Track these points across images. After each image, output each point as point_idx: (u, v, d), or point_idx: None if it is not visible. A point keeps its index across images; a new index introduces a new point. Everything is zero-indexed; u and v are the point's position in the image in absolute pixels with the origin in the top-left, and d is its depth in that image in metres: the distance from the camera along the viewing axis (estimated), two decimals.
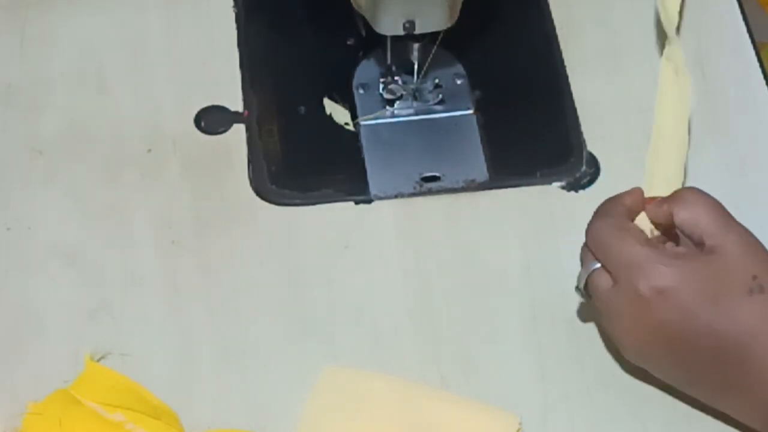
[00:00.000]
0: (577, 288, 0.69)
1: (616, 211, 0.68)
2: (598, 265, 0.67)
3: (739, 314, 0.63)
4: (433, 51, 0.76)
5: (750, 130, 0.79)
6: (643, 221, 0.69)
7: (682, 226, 0.67)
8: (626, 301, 0.65)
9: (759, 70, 0.82)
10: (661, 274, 0.64)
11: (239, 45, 0.82)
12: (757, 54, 0.82)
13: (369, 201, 0.77)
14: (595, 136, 0.79)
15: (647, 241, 0.66)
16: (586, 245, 0.69)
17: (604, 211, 0.69)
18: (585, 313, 0.72)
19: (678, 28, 0.78)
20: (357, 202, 0.76)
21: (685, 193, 0.68)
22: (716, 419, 0.68)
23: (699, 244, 0.66)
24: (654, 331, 0.65)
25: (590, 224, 0.68)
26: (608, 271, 0.66)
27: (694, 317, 0.64)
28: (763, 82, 0.81)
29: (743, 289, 0.64)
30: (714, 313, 0.64)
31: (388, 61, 0.78)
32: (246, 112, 0.80)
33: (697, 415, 0.69)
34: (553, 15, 0.84)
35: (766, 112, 0.80)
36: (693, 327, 0.64)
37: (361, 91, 0.80)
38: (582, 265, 0.69)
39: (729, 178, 0.77)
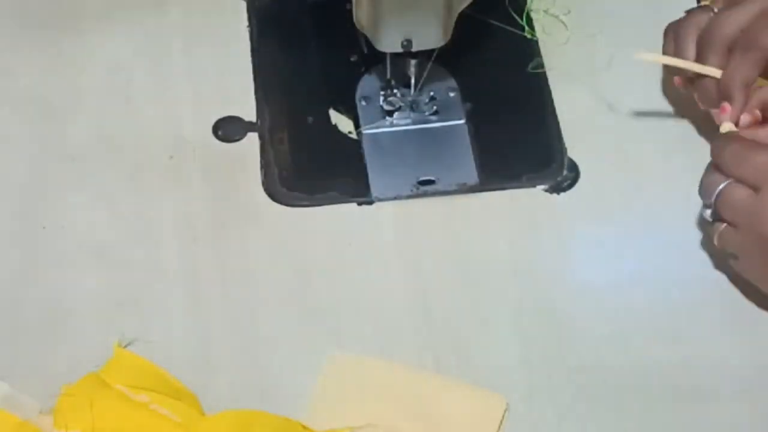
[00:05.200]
0: (705, 207, 0.68)
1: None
2: (728, 180, 0.66)
3: None
4: (429, 66, 0.76)
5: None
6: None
7: None
8: None
9: None
10: None
11: (253, 61, 0.82)
12: None
13: (370, 202, 0.77)
14: (575, 144, 0.79)
15: None
16: (710, 170, 0.67)
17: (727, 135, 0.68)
18: (567, 304, 0.73)
19: None
20: (359, 204, 0.76)
21: None
22: (688, 401, 0.69)
23: None
24: None
25: (718, 143, 0.68)
26: (746, 184, 0.65)
27: None
28: None
29: None
30: None
31: (388, 76, 0.78)
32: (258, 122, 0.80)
33: (670, 395, 0.69)
34: (537, 34, 0.83)
35: None
36: None
37: (364, 103, 0.80)
38: (703, 193, 0.68)
39: (698, 179, 0.76)
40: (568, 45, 0.83)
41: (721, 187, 0.67)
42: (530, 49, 0.83)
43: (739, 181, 0.66)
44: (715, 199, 0.67)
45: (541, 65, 0.82)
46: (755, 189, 0.65)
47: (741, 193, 0.66)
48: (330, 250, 0.74)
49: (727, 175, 0.67)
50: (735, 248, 0.68)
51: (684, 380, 0.69)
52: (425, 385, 0.69)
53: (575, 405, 0.69)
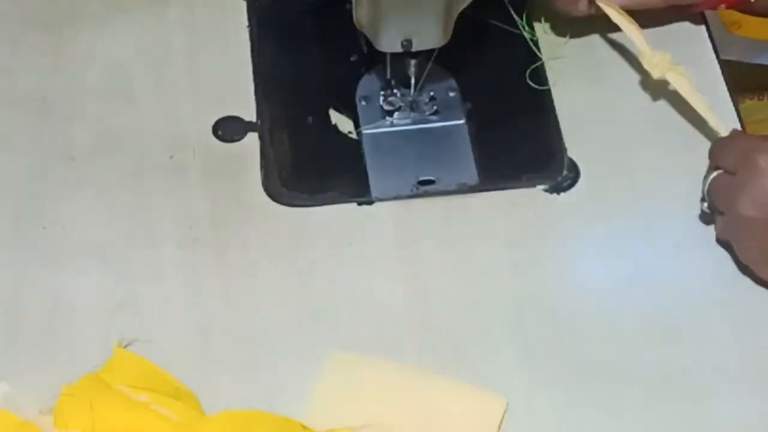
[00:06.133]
0: (701, 200, 0.72)
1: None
2: (718, 171, 0.69)
3: None
4: (429, 66, 0.76)
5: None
6: None
7: None
8: (747, 183, 0.66)
9: (723, 83, 0.82)
10: None
11: (253, 61, 0.82)
12: (721, 68, 0.82)
13: (370, 202, 0.76)
14: (575, 144, 0.79)
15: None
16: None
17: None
18: (567, 304, 0.72)
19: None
20: (359, 204, 0.76)
21: None
22: (688, 401, 0.69)
23: None
24: None
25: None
26: (727, 171, 0.69)
27: None
28: (726, 93, 0.81)
29: None
30: None
31: (388, 76, 0.78)
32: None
33: (670, 395, 0.69)
34: (537, 34, 0.83)
35: (729, 118, 0.80)
36: None
37: (364, 103, 0.80)
38: (702, 187, 0.72)
39: (698, 179, 0.77)
40: (568, 45, 0.83)
41: (711, 177, 0.70)
42: (530, 49, 0.82)
43: (724, 169, 0.70)
44: (708, 190, 0.71)
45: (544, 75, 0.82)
46: (733, 174, 0.69)
47: (724, 179, 0.69)
48: (330, 250, 0.74)
49: (715, 166, 0.70)
50: (728, 236, 0.71)
51: (684, 380, 0.69)
52: (425, 385, 0.69)
53: (575, 405, 0.69)
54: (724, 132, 0.74)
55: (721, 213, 0.71)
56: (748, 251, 0.70)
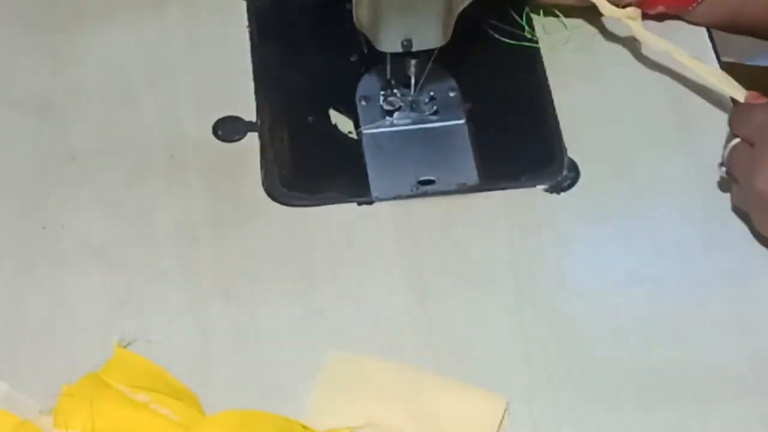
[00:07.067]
0: (720, 165, 0.73)
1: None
2: (737, 140, 0.70)
3: None
4: (429, 66, 0.76)
5: (717, 136, 0.79)
6: None
7: None
8: (764, 157, 0.67)
9: None
10: None
11: (253, 61, 0.82)
12: (721, 69, 0.82)
13: (370, 202, 0.76)
14: (575, 143, 0.78)
15: None
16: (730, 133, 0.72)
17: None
18: (567, 304, 0.72)
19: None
20: (359, 203, 0.76)
21: None
22: (688, 401, 0.69)
23: None
24: None
25: (733, 108, 0.73)
26: (747, 141, 0.70)
27: None
28: None
29: None
30: None
31: (388, 76, 0.78)
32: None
33: (670, 395, 0.69)
34: (537, 34, 0.83)
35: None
36: None
37: (364, 103, 0.80)
38: (722, 153, 0.72)
39: (698, 179, 0.77)
40: (568, 45, 0.83)
41: (730, 144, 0.71)
42: (530, 49, 0.82)
43: (744, 139, 0.70)
44: (726, 157, 0.71)
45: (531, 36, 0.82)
46: (752, 145, 0.69)
47: (742, 148, 0.70)
48: (330, 250, 0.74)
49: (735, 136, 0.71)
50: (743, 205, 0.72)
51: (684, 380, 0.69)
52: (425, 385, 0.68)
53: (575, 405, 0.68)
54: (738, 94, 0.74)
55: (737, 182, 0.71)
56: (763, 224, 0.71)
